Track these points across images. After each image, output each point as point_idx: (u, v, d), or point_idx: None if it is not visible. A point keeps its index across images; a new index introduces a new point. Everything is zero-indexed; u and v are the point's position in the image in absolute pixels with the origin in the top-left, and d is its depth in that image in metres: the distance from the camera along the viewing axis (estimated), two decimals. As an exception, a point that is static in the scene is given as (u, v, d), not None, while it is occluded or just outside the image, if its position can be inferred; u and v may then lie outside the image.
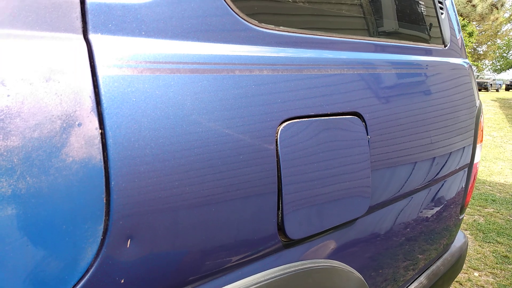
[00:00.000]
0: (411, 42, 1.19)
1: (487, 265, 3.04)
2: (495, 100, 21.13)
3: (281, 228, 0.72)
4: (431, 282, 1.31)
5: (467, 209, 4.22)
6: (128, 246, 0.52)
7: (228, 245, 0.64)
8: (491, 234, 3.59)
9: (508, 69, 45.31)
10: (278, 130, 0.70)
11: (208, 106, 0.61)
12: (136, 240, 0.53)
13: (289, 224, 0.72)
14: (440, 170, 1.24)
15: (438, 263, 1.39)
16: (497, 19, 21.56)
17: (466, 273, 2.91)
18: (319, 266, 0.80)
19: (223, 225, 0.63)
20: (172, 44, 0.60)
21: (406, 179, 1.08)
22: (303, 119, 0.74)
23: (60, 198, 0.46)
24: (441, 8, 1.37)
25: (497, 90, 37.77)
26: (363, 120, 0.88)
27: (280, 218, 0.71)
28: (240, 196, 0.64)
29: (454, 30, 1.44)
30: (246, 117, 0.65)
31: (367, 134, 0.89)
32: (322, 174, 0.78)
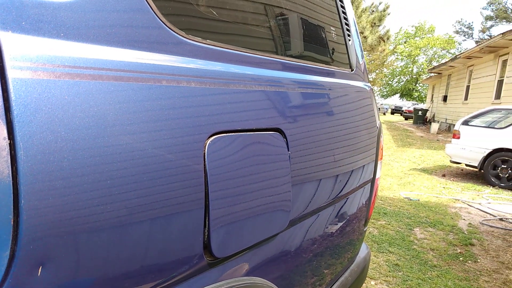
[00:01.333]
0: (324, 65, 1.26)
1: (381, 273, 3.30)
2: (383, 123, 23.44)
3: (207, 246, 0.69)
4: (341, 292, 1.37)
5: (363, 222, 4.56)
6: (39, 274, 0.45)
7: (154, 267, 0.60)
8: (384, 244, 3.92)
9: (393, 95, 50.79)
10: (206, 144, 0.68)
11: (133, 116, 0.57)
12: (48, 267, 0.46)
13: (215, 241, 0.70)
14: (349, 185, 1.32)
15: (346, 274, 1.46)
16: (384, 50, 24.10)
17: (365, 283, 3.12)
18: (243, 284, 0.78)
19: (148, 245, 0.58)
20: (95, 49, 0.55)
21: (320, 193, 1.12)
22: (230, 134, 0.73)
23: (-44, 220, 0.38)
24: (349, 36, 1.48)
25: (384, 114, 42.05)
26: (284, 136, 0.90)
27: (206, 236, 0.68)
28: (166, 213, 0.60)
29: (358, 55, 1.56)
30: (174, 130, 0.62)
31: (288, 150, 0.91)
32: (248, 189, 0.77)
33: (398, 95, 50.08)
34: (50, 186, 0.46)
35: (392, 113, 41.93)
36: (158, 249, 0.60)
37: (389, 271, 3.33)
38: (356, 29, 1.60)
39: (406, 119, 31.17)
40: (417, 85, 47.21)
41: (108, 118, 0.53)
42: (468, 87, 16.38)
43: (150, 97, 0.60)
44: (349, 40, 1.48)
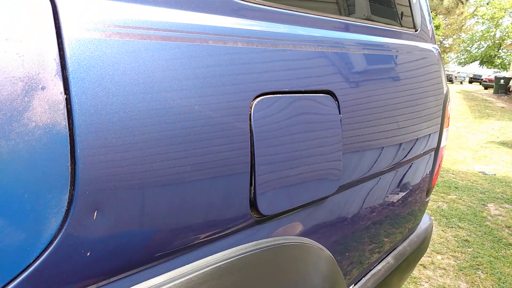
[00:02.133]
0: (384, 24, 1.20)
1: (449, 248, 3.17)
2: (460, 92, 21.86)
3: (253, 204, 0.71)
4: (398, 262, 1.34)
5: (432, 195, 4.36)
6: (94, 218, 0.50)
7: (201, 220, 0.63)
8: (453, 219, 3.74)
9: (471, 62, 46.85)
10: (252, 104, 0.68)
11: (180, 76, 0.59)
12: (103, 212, 0.51)
13: (261, 200, 0.71)
14: (408, 152, 1.26)
15: (405, 243, 1.43)
16: (462, 13, 22.17)
17: (430, 257, 3.03)
18: (290, 242, 0.80)
19: (196, 200, 0.61)
20: (143, 9, 0.57)
21: (375, 159, 1.09)
22: (277, 95, 0.73)
23: (21, 164, 0.43)
24: (413, -7, 1.39)
25: (461, 83, 39.06)
26: (336, 99, 0.88)
27: (252, 194, 0.70)
28: (214, 171, 0.63)
29: (425, 16, 1.46)
30: (220, 90, 0.63)
31: (339, 113, 0.89)
32: (294, 151, 0.77)
33: (477, 62, 46.10)
34: (102, 139, 0.50)
35: (470, 82, 38.76)
36: (208, 203, 0.63)
37: (458, 247, 3.19)
38: (422, -13, 1.49)
39: (485, 88, 28.75)
40: (500, 51, 43.05)
41: (156, 76, 0.56)
42: (561, 51, 14.63)
43: (197, 57, 0.61)
44: (414, -2, 1.39)
